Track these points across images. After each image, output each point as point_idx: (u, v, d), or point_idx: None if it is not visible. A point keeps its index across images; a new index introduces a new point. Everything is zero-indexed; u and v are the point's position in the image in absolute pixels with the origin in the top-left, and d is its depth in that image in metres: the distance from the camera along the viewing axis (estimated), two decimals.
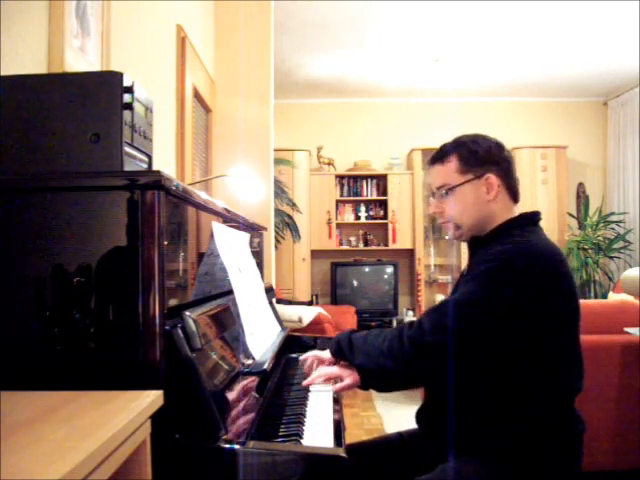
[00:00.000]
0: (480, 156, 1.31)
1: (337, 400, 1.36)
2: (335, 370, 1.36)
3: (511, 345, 1.16)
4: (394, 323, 5.73)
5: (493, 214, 1.31)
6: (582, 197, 6.10)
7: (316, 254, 5.99)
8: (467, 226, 1.33)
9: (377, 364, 1.23)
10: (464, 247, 5.42)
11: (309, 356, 1.47)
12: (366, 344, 1.27)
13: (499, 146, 1.35)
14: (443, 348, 1.14)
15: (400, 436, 1.48)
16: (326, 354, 1.42)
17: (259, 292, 1.57)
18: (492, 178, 1.30)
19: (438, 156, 1.37)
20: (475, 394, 1.22)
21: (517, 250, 1.19)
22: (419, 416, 1.41)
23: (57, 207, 0.89)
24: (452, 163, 1.33)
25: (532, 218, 1.33)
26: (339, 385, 1.33)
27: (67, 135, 0.94)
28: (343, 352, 1.33)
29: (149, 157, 1.10)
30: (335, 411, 1.26)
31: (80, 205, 0.89)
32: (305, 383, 1.39)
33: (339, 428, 1.15)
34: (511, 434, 1.18)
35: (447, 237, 1.44)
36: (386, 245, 6.02)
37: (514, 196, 1.34)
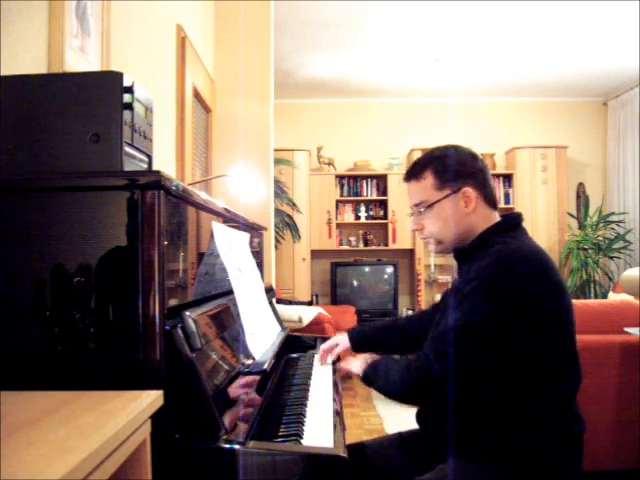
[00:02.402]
0: (455, 170, 1.30)
1: (337, 400, 1.36)
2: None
3: (510, 356, 1.17)
4: None
5: (473, 226, 1.31)
6: (582, 197, 6.10)
7: (316, 254, 5.99)
8: (449, 241, 1.33)
9: (393, 393, 1.30)
10: None
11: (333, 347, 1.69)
12: (387, 371, 1.31)
13: (473, 157, 1.33)
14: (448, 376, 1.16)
15: (400, 436, 1.48)
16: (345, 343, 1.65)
17: (259, 292, 1.57)
18: (469, 191, 1.29)
19: (413, 172, 1.35)
20: (474, 396, 1.22)
21: (497, 262, 1.18)
22: (419, 416, 1.41)
23: (57, 207, 0.89)
24: (428, 179, 1.31)
25: (512, 222, 1.31)
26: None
27: (67, 135, 0.94)
28: (371, 380, 1.37)
29: (149, 157, 1.10)
30: (335, 411, 1.26)
31: (80, 205, 0.89)
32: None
33: (339, 428, 1.15)
34: (511, 434, 1.18)
35: (430, 250, 1.48)
36: (386, 245, 6.02)
37: (492, 204, 1.33)
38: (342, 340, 1.68)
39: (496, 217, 1.33)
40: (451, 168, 1.30)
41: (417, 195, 1.34)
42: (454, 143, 1.37)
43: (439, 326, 1.36)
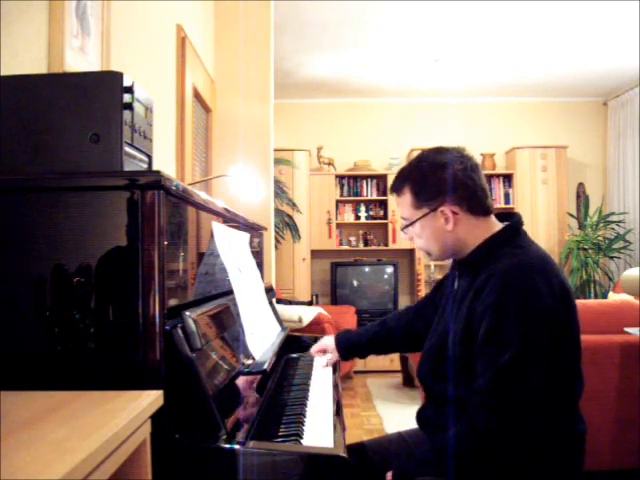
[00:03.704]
0: (431, 188, 1.24)
1: (337, 400, 1.36)
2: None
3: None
4: None
5: (462, 239, 1.27)
6: (582, 197, 6.10)
7: (316, 254, 5.98)
8: (436, 254, 1.32)
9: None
10: None
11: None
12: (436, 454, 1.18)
13: (454, 167, 1.23)
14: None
15: (400, 436, 1.48)
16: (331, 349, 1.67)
17: (259, 292, 1.57)
18: (447, 209, 1.24)
19: (394, 187, 1.33)
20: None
21: (510, 282, 1.13)
22: (419, 416, 1.41)
23: (57, 207, 0.89)
24: (406, 196, 1.29)
25: (515, 227, 1.27)
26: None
27: (67, 135, 0.94)
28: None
29: (149, 157, 1.10)
30: (335, 411, 1.26)
31: (80, 205, 0.89)
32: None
33: (339, 428, 1.15)
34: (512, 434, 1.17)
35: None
36: (386, 245, 6.02)
37: (483, 212, 1.27)
38: (332, 348, 1.66)
39: (492, 223, 1.29)
40: (428, 186, 1.25)
41: (401, 209, 1.34)
42: (440, 145, 1.32)
43: (437, 329, 1.35)
